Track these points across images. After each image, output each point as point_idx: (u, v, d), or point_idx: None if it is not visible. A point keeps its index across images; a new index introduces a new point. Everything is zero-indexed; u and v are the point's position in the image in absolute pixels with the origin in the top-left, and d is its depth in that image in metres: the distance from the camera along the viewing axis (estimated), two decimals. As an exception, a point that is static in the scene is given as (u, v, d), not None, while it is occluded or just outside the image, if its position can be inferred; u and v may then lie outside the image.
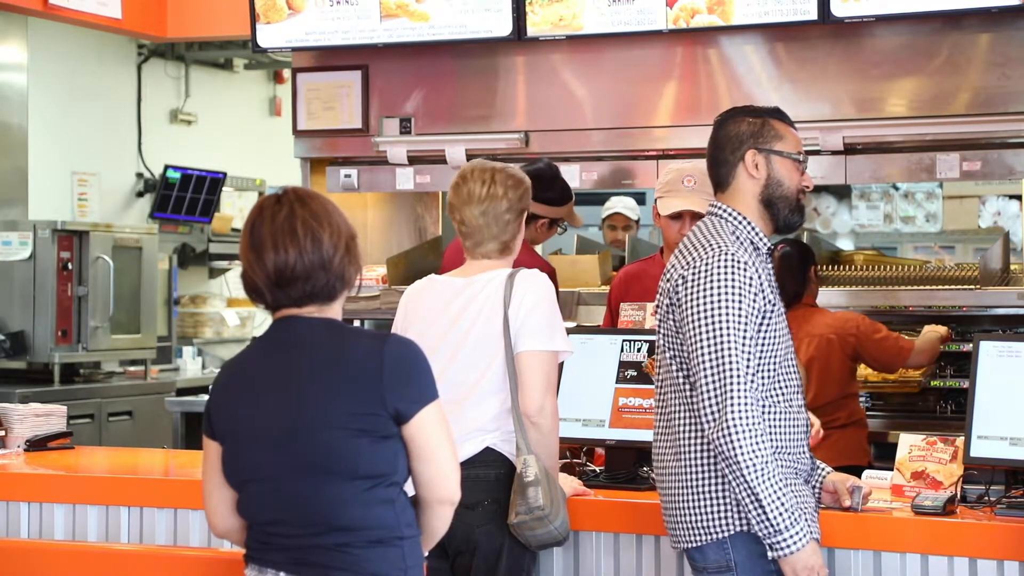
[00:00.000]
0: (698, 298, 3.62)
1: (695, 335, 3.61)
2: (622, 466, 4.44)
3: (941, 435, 4.30)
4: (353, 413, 3.07)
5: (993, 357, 4.12)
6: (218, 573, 3.67)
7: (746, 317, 3.59)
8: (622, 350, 4.58)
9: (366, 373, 3.08)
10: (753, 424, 3.52)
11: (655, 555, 4.19)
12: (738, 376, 3.55)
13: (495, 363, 4.05)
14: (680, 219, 5.08)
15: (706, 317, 3.59)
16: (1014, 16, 5.74)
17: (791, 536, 3.54)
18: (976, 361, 4.13)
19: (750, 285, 3.62)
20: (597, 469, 4.53)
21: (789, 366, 3.74)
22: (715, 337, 3.57)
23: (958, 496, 4.03)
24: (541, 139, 6.47)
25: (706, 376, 3.57)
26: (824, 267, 6.44)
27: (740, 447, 3.51)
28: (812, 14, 5.81)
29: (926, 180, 6.56)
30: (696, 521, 3.67)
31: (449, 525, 3.24)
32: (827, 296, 6.16)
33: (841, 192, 9.43)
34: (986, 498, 4.02)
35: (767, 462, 3.53)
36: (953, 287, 6.00)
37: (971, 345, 4.22)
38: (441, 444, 3.14)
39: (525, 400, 4.02)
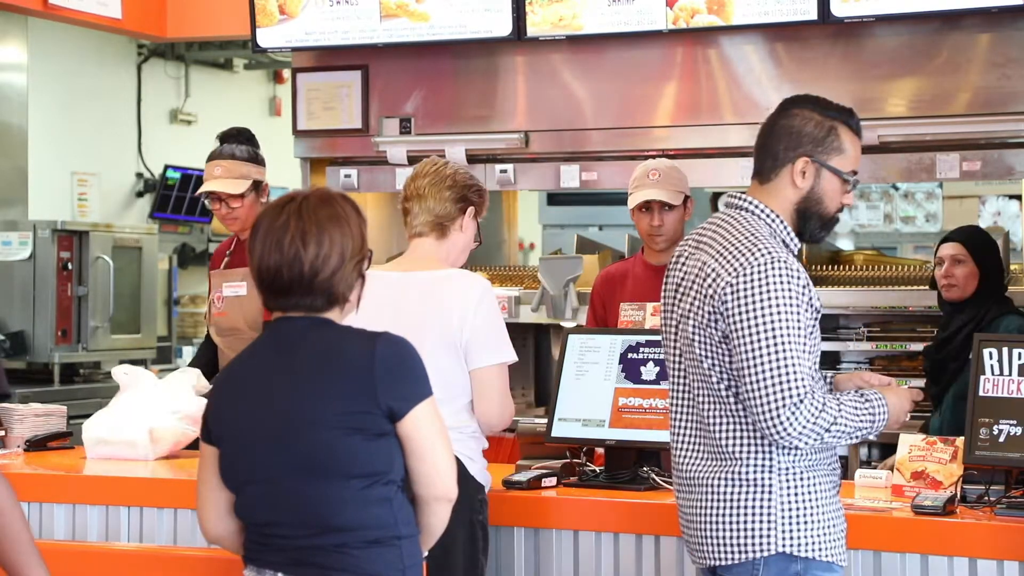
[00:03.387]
0: (753, 309, 3.39)
1: (752, 350, 3.38)
2: (622, 466, 4.44)
3: (941, 435, 4.31)
4: (346, 412, 3.07)
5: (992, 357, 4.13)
6: (218, 573, 3.67)
7: (804, 330, 3.41)
8: (622, 350, 4.58)
9: (358, 372, 3.08)
10: (815, 414, 3.37)
11: (655, 555, 4.19)
12: (805, 388, 3.36)
13: (447, 369, 4.05)
14: (650, 211, 5.27)
15: (765, 331, 3.36)
16: (1014, 16, 5.74)
17: (877, 425, 3.49)
18: (976, 361, 4.14)
19: (803, 294, 3.42)
20: (597, 469, 4.53)
21: (818, 371, 3.57)
22: (776, 354, 3.36)
23: (958, 496, 4.03)
24: (541, 139, 6.47)
25: (768, 393, 3.36)
26: (824, 267, 6.44)
27: (813, 432, 3.37)
28: (812, 14, 5.81)
29: (926, 180, 6.56)
30: (731, 538, 3.47)
31: (447, 522, 3.24)
32: (827, 296, 6.15)
33: (841, 192, 9.42)
34: (986, 498, 4.02)
35: (833, 422, 3.39)
36: (953, 287, 5.98)
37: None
38: (436, 441, 3.15)
39: (488, 413, 4.13)
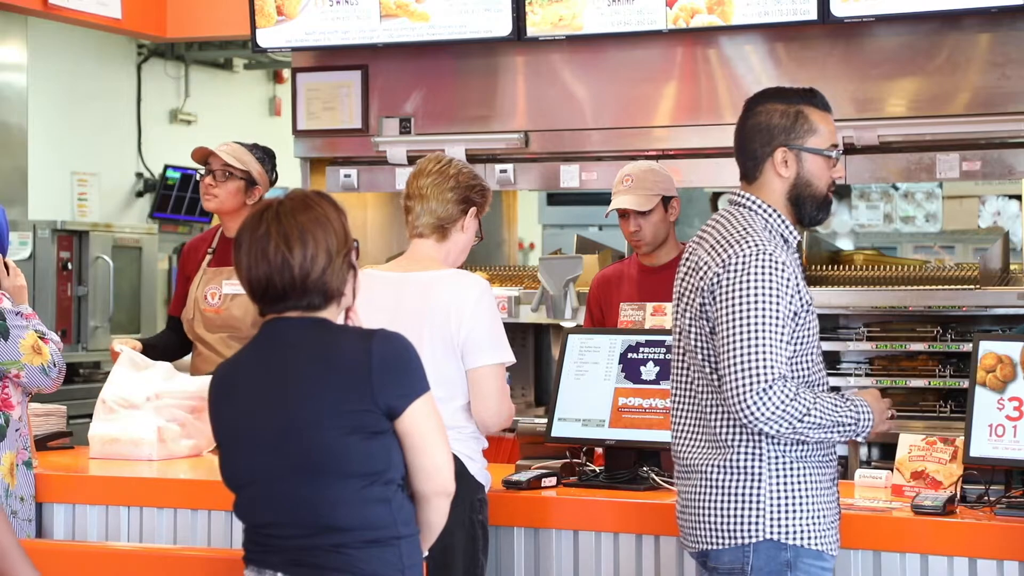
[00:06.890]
0: (733, 299, 3.47)
1: (728, 336, 3.46)
2: (622, 466, 4.44)
3: (941, 435, 4.31)
4: (343, 411, 3.07)
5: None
6: (218, 573, 3.67)
7: (783, 321, 3.46)
8: (622, 350, 4.58)
9: (354, 370, 3.09)
10: (784, 401, 3.43)
11: (655, 555, 4.19)
12: (776, 374, 3.43)
13: (445, 369, 4.06)
14: (626, 217, 5.30)
15: (742, 319, 3.45)
16: (1014, 16, 5.74)
17: (862, 425, 3.53)
18: (976, 361, 4.13)
19: (787, 287, 3.49)
20: (597, 469, 4.53)
21: (819, 366, 3.63)
22: (750, 340, 3.44)
23: (958, 496, 4.03)
24: (541, 139, 6.47)
25: (738, 376, 3.43)
26: (824, 267, 6.44)
27: (783, 419, 3.43)
28: (812, 14, 5.81)
29: (926, 180, 6.55)
30: (721, 523, 3.55)
31: (446, 518, 3.24)
32: (827, 296, 6.15)
33: (841, 192, 9.44)
34: (986, 498, 4.02)
35: (806, 412, 3.45)
36: (953, 287, 5.99)
37: (971, 345, 4.21)
38: (434, 436, 3.16)
39: (484, 413, 4.12)
